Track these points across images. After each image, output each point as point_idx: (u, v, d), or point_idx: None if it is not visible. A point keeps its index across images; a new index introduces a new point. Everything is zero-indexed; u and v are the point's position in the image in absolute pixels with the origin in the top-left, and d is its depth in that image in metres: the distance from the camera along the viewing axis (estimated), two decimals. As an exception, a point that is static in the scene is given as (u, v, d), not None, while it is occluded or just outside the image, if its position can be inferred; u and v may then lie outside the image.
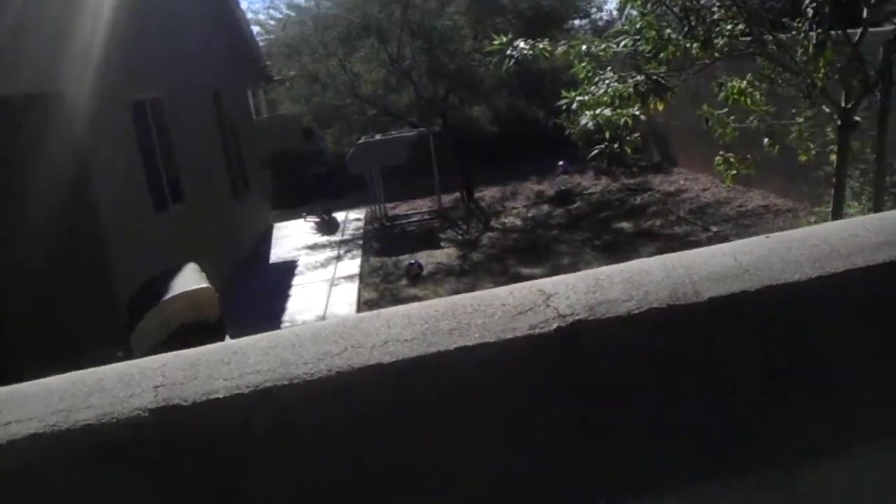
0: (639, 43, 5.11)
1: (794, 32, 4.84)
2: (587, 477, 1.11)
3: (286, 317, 9.09)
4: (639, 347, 1.11)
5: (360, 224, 14.22)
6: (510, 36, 5.95)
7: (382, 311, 1.24)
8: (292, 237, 13.95)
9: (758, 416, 1.13)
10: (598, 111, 4.87)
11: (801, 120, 5.44)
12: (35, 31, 6.60)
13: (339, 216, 14.89)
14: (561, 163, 15.68)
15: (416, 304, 1.24)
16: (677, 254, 1.26)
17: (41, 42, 6.71)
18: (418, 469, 1.10)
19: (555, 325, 1.11)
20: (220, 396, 1.08)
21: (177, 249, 8.33)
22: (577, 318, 1.11)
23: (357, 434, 1.09)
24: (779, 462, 1.15)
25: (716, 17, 5.09)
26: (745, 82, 5.34)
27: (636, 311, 1.11)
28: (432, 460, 1.10)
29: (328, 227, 14.40)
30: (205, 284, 5.85)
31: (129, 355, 2.42)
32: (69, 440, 1.06)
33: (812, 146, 5.55)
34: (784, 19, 5.34)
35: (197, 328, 3.76)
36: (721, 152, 5.72)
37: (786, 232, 1.29)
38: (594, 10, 19.20)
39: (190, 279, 6.28)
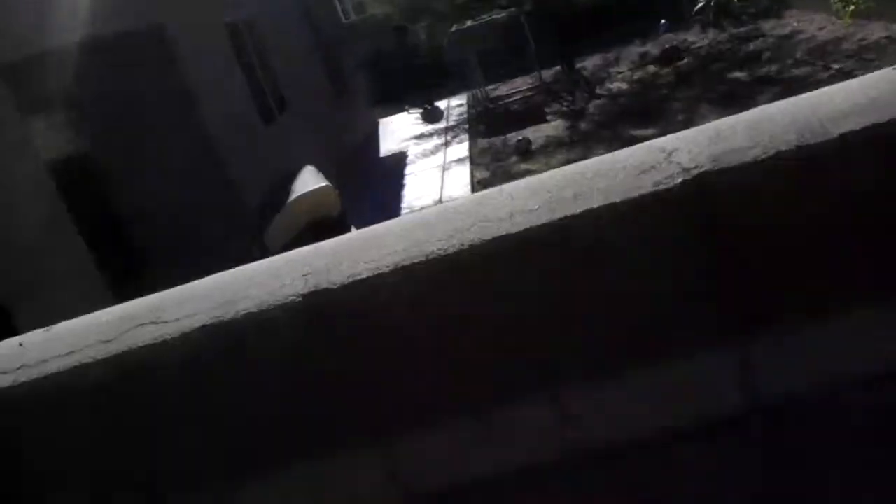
0: None
1: None
2: (723, 312, 1.14)
3: (404, 204, 9.28)
4: (769, 192, 1.10)
5: (464, 110, 14.15)
6: None
7: (505, 185, 1.27)
8: (399, 131, 14.07)
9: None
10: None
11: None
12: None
13: (442, 104, 14.85)
14: (662, 21, 14.95)
15: (537, 176, 1.27)
16: (801, 96, 1.22)
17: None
18: (546, 331, 1.15)
19: (679, 180, 1.11)
20: (364, 277, 1.16)
21: (289, 155, 8.58)
22: (702, 169, 1.11)
23: (490, 299, 1.15)
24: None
25: None
26: None
27: (763, 157, 1.09)
28: (564, 320, 1.15)
29: (432, 116, 14.43)
30: (324, 183, 6.04)
31: (265, 253, 2.57)
32: (233, 328, 1.17)
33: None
34: None
35: (322, 223, 3.94)
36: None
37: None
38: None
39: (310, 180, 6.49)
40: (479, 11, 15.41)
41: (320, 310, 1.16)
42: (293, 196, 6.77)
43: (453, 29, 14.31)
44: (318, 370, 1.18)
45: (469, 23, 14.59)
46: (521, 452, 1.21)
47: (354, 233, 1.31)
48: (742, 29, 13.57)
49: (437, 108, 14.75)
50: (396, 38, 15.75)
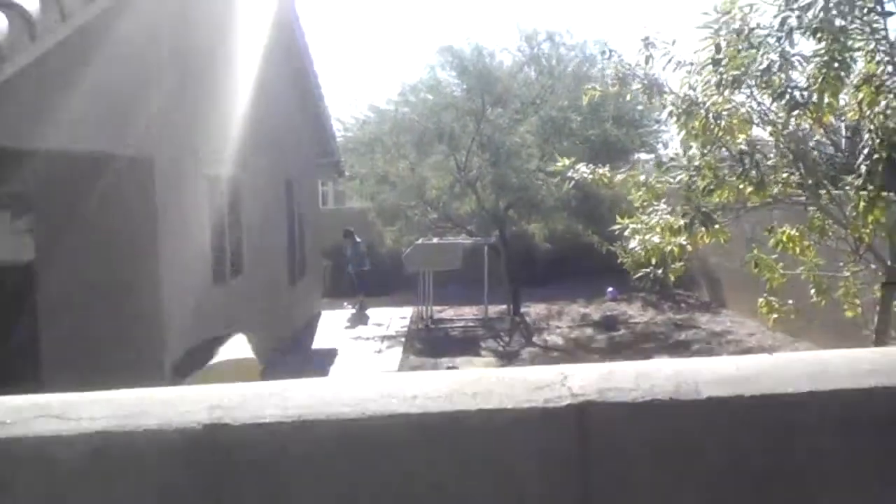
0: (694, 178, 5.31)
1: (847, 188, 4.99)
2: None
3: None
4: (642, 433, 1.23)
5: (406, 323, 14.39)
6: (573, 160, 6.23)
7: (415, 372, 1.39)
8: (338, 326, 14.17)
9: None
10: (646, 237, 5.05)
11: (847, 274, 5.51)
12: (132, 93, 7.09)
13: (388, 312, 15.11)
14: (610, 289, 15.76)
15: (446, 371, 1.39)
16: (686, 359, 1.39)
17: (136, 105, 7.20)
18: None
19: (566, 402, 1.24)
20: (267, 422, 1.24)
21: (228, 320, 8.58)
22: (588, 398, 1.25)
23: (380, 471, 1.22)
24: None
25: (770, 162, 5.28)
26: (795, 230, 5.47)
27: (641, 400, 1.24)
28: (442, 508, 1.23)
29: (358, 319, 14.76)
30: (251, 355, 6.05)
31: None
32: (133, 440, 1.22)
33: (858, 303, 5.60)
34: (842, 174, 5.49)
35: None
36: (765, 295, 5.81)
37: (788, 353, 1.41)
38: (660, 145, 19.62)
39: (238, 349, 6.47)
40: (447, 231, 16.21)
41: (219, 443, 1.22)
42: (217, 359, 6.75)
43: (418, 241, 14.93)
44: (211, 498, 1.22)
45: (435, 240, 15.28)
46: None
47: (266, 382, 1.40)
48: (679, 316, 14.38)
49: (364, 314, 15.14)
50: (344, 240, 16.53)
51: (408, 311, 15.17)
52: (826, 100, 4.70)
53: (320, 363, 11.28)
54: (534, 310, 15.35)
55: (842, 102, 5.04)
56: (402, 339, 12.90)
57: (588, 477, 1.22)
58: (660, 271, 5.20)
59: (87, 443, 1.23)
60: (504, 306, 15.04)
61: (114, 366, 6.82)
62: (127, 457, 1.23)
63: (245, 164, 10.39)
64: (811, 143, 5.94)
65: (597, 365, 1.36)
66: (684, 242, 4.94)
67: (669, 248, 4.98)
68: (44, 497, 1.24)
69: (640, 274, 5.38)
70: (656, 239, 4.99)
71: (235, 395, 1.31)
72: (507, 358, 11.75)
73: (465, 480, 1.24)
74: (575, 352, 12.13)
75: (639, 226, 5.49)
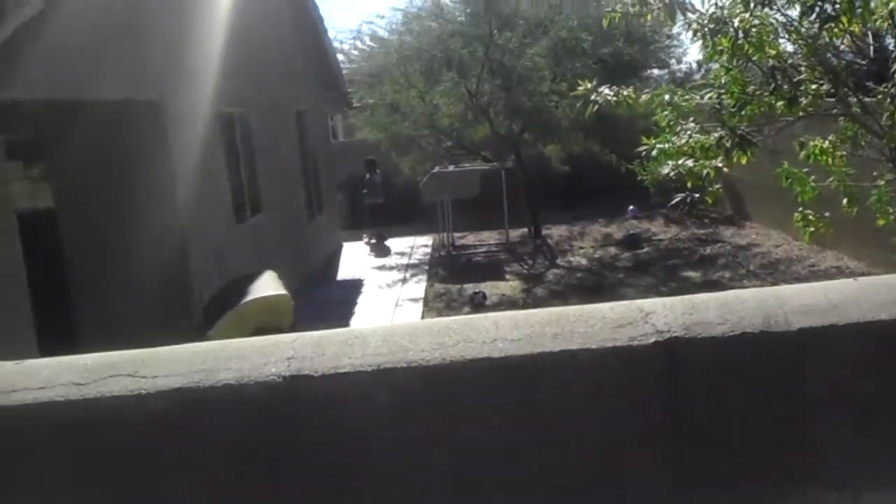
0: (723, 96, 5.17)
1: (879, 96, 4.85)
2: (674, 469, 1.20)
3: (351, 331, 9.26)
4: (732, 367, 1.20)
5: (428, 251, 14.40)
6: (594, 83, 6.08)
7: (490, 314, 1.36)
8: (361, 257, 14.22)
9: (830, 439, 1.21)
10: (680, 161, 4.93)
11: (881, 183, 5.40)
12: (139, 38, 6.96)
13: (408, 241, 15.10)
14: (631, 207, 15.64)
15: (522, 311, 1.36)
16: (770, 287, 1.35)
17: (144, 49, 7.08)
18: (512, 455, 1.21)
19: (652, 339, 1.21)
20: (345, 371, 1.21)
21: (252, 259, 8.61)
22: (674, 335, 1.21)
23: (464, 416, 1.21)
24: (844, 484, 1.23)
25: (802, 76, 5.12)
26: (827, 142, 5.35)
27: (730, 334, 1.20)
28: (528, 451, 1.21)
29: (379, 250, 14.73)
30: (282, 291, 6.06)
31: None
32: (210, 396, 1.21)
33: (892, 210, 5.50)
34: (869, 83, 5.34)
35: (271, 331, 3.94)
36: (800, 209, 5.71)
37: (874, 276, 1.37)
38: (673, 61, 19.20)
39: (269, 285, 6.50)
40: (463, 158, 16.06)
41: (299, 394, 1.20)
42: (249, 297, 6.79)
43: (435, 170, 14.82)
44: (288, 456, 1.21)
45: (451, 167, 15.15)
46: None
47: (340, 329, 1.38)
48: (703, 231, 14.28)
49: (384, 245, 15.09)
50: (367, 170, 16.36)
51: (429, 240, 15.17)
52: (857, 10, 4.53)
53: (348, 294, 11.36)
54: (555, 231, 15.29)
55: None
56: (426, 267, 12.93)
57: (679, 412, 1.20)
58: (696, 195, 5.10)
59: (164, 400, 1.22)
60: (525, 230, 14.97)
61: (142, 311, 6.88)
62: (205, 413, 1.22)
63: (256, 102, 10.28)
64: (837, 53, 5.76)
65: (677, 299, 1.32)
66: (720, 165, 4.83)
67: (706, 171, 4.87)
68: (122, 456, 1.23)
69: (676, 199, 5.29)
70: (690, 163, 4.88)
71: (311, 345, 1.29)
72: (533, 281, 11.75)
73: (549, 423, 1.22)
74: (600, 271, 12.11)
75: (666, 146, 5.38)
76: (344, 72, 17.20)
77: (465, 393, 1.21)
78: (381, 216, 15.89)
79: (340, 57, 17.28)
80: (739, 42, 4.88)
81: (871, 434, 1.20)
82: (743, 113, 5.13)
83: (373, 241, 15.48)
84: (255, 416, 1.21)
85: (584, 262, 12.99)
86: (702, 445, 1.22)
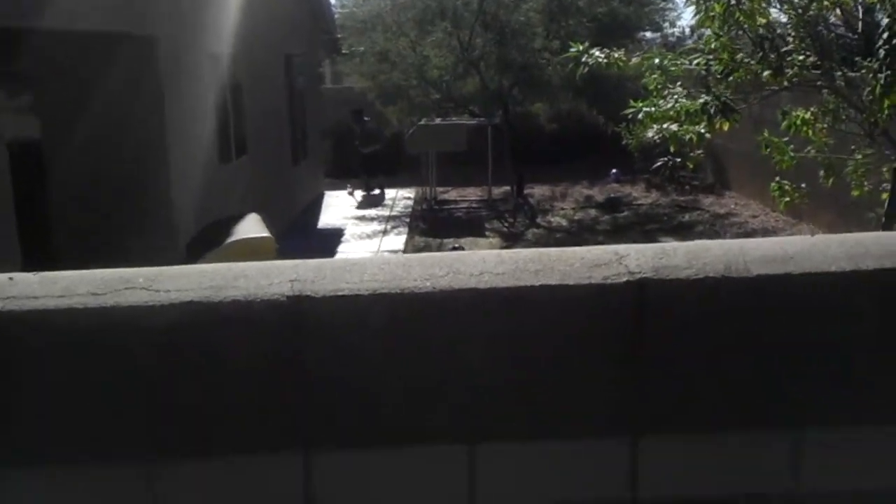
0: (711, 62, 5.28)
1: (863, 71, 4.98)
2: (630, 403, 1.34)
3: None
4: (694, 307, 1.33)
5: (410, 204, 14.49)
6: (586, 44, 6.16)
7: (479, 251, 1.48)
8: (342, 206, 14.28)
9: (781, 382, 1.35)
10: (664, 125, 5.05)
11: (859, 157, 5.56)
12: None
13: (391, 193, 15.16)
14: (613, 171, 15.80)
15: (507, 250, 1.48)
16: (734, 239, 1.48)
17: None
18: (494, 378, 1.34)
19: (624, 279, 1.33)
20: (345, 294, 1.33)
21: (235, 200, 8.66)
22: (645, 276, 1.33)
23: (447, 340, 1.33)
24: (791, 423, 1.37)
25: (789, 47, 5.23)
26: (809, 113, 5.48)
27: (694, 277, 1.33)
28: (507, 372, 1.34)
29: (371, 201, 14.75)
30: (266, 234, 6.15)
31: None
32: (222, 310, 1.32)
33: (867, 183, 5.67)
34: (856, 58, 5.46)
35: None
36: (777, 178, 5.86)
37: (828, 234, 1.50)
38: (667, 24, 19.20)
39: (252, 227, 6.59)
40: (450, 111, 16.07)
41: (302, 313, 1.32)
42: (233, 238, 6.86)
43: (421, 122, 14.84)
44: (291, 369, 1.33)
45: (438, 120, 15.18)
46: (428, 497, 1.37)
47: (338, 258, 1.49)
48: (683, 198, 14.47)
49: (377, 194, 15.05)
50: (352, 120, 16.26)
51: (412, 192, 15.25)
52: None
53: (327, 243, 11.46)
54: (538, 191, 15.43)
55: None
56: (407, 220, 13.04)
57: (644, 345, 1.33)
58: (678, 160, 5.23)
59: (178, 311, 1.32)
60: (508, 187, 15.10)
61: (126, 245, 6.95)
62: (216, 324, 1.33)
63: (245, 43, 10.22)
64: (827, 25, 5.87)
65: (649, 245, 1.44)
66: (703, 131, 4.96)
67: (688, 136, 5.00)
68: (139, 362, 1.34)
69: (657, 164, 5.40)
70: (674, 127, 5.00)
71: (312, 270, 1.40)
72: (512, 239, 11.91)
73: (528, 349, 1.34)
74: (580, 233, 12.29)
75: (652, 109, 5.49)
76: (335, 17, 17.05)
77: (453, 319, 1.33)
78: (377, 165, 15.77)
79: (332, 1, 17.11)
80: (731, 8, 4.97)
81: (813, 375, 1.34)
82: (730, 80, 5.25)
83: (360, 191, 15.48)
84: (262, 331, 1.32)
85: (563, 222, 13.17)
86: (666, 377, 1.35)
